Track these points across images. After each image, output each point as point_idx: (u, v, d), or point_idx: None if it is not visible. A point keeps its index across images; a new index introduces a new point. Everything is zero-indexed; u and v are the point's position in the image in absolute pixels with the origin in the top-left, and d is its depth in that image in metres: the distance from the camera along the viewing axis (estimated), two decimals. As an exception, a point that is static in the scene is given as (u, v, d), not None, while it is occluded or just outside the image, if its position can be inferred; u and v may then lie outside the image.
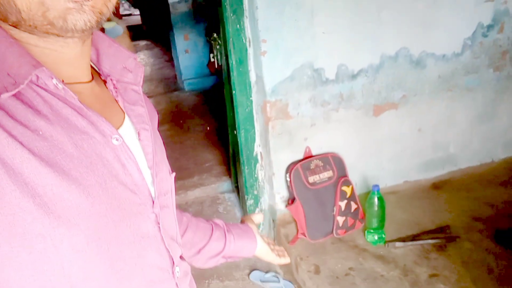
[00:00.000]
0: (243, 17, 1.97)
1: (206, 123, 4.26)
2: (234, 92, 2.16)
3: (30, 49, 0.53)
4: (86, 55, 0.60)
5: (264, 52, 1.99)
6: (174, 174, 0.78)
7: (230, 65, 2.09)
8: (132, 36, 8.41)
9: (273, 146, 2.24)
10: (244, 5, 1.94)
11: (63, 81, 0.54)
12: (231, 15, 1.95)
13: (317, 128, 2.29)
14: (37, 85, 0.52)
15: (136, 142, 0.65)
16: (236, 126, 2.29)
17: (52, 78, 0.52)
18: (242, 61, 2.07)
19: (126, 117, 0.65)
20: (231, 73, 2.11)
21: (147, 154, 0.65)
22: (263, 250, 1.04)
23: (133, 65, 0.68)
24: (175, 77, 5.57)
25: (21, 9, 0.49)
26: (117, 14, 9.60)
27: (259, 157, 2.38)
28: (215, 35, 2.36)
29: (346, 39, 2.13)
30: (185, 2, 4.75)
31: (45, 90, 0.52)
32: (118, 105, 0.66)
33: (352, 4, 2.06)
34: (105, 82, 0.67)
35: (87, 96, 0.60)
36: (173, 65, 5.64)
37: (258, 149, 2.35)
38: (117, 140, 0.59)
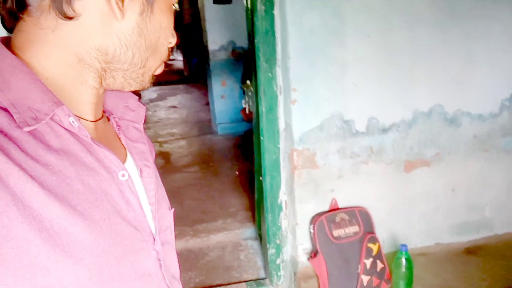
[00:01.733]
0: (275, 66, 2.00)
1: (235, 167, 4.27)
2: (262, 138, 2.16)
3: (55, 87, 0.56)
4: (103, 97, 0.65)
5: (294, 100, 2.00)
6: (173, 210, 0.78)
7: (260, 111, 2.11)
8: (174, 80, 8.71)
9: (298, 195, 2.20)
10: (277, 55, 1.98)
11: (79, 119, 0.57)
12: (264, 63, 1.98)
13: (345, 180, 2.24)
14: (52, 120, 0.54)
15: (138, 179, 0.65)
16: (262, 172, 2.27)
17: (70, 116, 0.54)
18: (272, 108, 2.08)
19: (128, 154, 0.67)
20: (261, 120, 2.12)
21: (148, 191, 0.66)
22: None
23: (135, 104, 0.71)
24: (210, 120, 5.67)
25: (135, 63, 0.60)
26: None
27: (283, 205, 2.34)
28: (248, 82, 2.39)
29: (377, 92, 2.11)
30: (225, 50, 4.91)
31: (59, 125, 0.55)
32: (121, 142, 0.68)
33: (384, 58, 2.06)
34: (108, 119, 0.69)
35: (96, 133, 0.62)
36: (209, 109, 5.76)
37: (283, 197, 2.31)
38: (123, 175, 0.60)
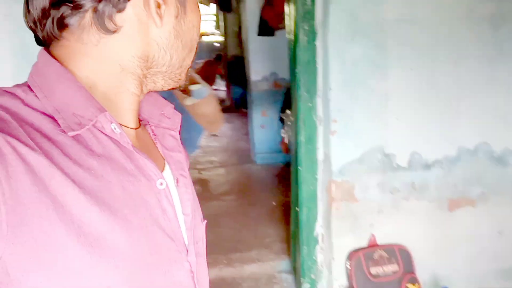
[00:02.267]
0: (316, 96, 2.00)
1: (273, 198, 4.23)
2: (300, 168, 2.14)
3: (98, 95, 0.57)
4: (140, 105, 0.66)
5: (334, 131, 1.98)
6: (205, 222, 0.76)
7: (299, 141, 2.10)
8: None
9: (336, 228, 2.15)
10: (317, 85, 1.98)
11: (121, 126, 0.57)
12: (304, 93, 1.98)
13: (385, 216, 2.17)
14: (95, 127, 0.55)
15: (174, 188, 0.65)
16: (299, 203, 2.24)
17: (112, 123, 0.55)
18: (311, 139, 2.07)
19: (166, 163, 0.67)
20: (299, 149, 2.11)
21: (184, 201, 0.65)
22: None
23: (171, 112, 0.70)
24: (249, 150, 5.69)
25: (173, 65, 0.62)
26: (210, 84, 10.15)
27: (319, 239, 2.28)
28: (287, 111, 2.40)
29: (420, 127, 2.06)
30: (267, 81, 4.96)
31: (101, 132, 0.55)
32: (158, 150, 0.68)
33: (427, 92, 2.02)
34: (145, 126, 0.69)
35: (137, 140, 0.63)
36: (249, 139, 5.79)
37: (319, 229, 2.26)
38: (161, 184, 0.60)
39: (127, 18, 0.56)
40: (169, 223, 0.60)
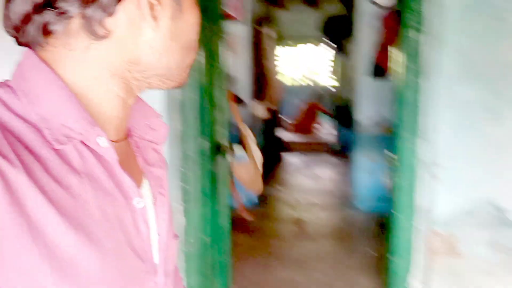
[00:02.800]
0: (417, 138, 1.90)
1: (373, 247, 4.02)
2: (397, 214, 2.02)
3: (84, 102, 0.53)
4: (128, 114, 0.62)
5: (438, 178, 1.85)
6: (178, 239, 0.73)
7: (399, 186, 1.99)
8: (321, 150, 8.81)
9: (434, 285, 1.96)
10: (419, 126, 1.88)
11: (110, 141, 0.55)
12: (407, 135, 1.90)
13: (495, 279, 1.93)
14: (80, 141, 0.52)
15: (151, 205, 0.63)
16: (393, 251, 2.10)
17: (100, 136, 0.52)
18: (411, 184, 1.95)
19: (144, 179, 0.64)
20: (398, 194, 2.00)
21: (160, 221, 0.63)
22: None
23: (158, 124, 0.67)
24: (352, 195, 5.53)
25: (170, 67, 0.58)
26: (308, 129, 10.14)
27: (415, 294, 2.10)
28: (392, 155, 2.30)
29: (542, 181, 1.83)
30: (375, 124, 4.83)
31: (84, 145, 0.52)
32: (138, 164, 0.64)
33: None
34: (127, 137, 0.64)
35: (119, 154, 0.57)
36: (351, 183, 5.64)
37: (415, 283, 2.08)
38: (138, 203, 0.57)
39: (118, 22, 0.52)
40: (141, 243, 0.58)
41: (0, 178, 0.44)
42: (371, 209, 4.97)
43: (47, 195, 0.47)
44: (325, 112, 10.24)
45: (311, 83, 12.29)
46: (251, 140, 3.70)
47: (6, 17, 0.51)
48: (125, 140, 0.63)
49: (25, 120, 0.49)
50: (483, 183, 1.85)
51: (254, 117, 5.08)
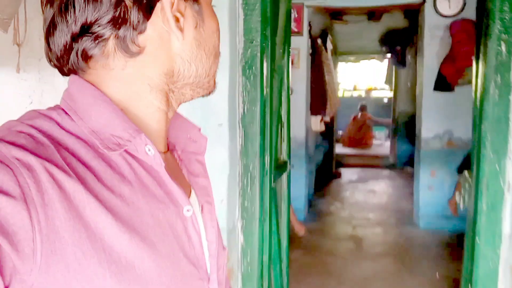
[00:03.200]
0: (506, 158, 1.72)
1: (436, 269, 3.77)
2: (477, 241, 1.84)
3: (131, 118, 0.58)
4: (168, 126, 0.66)
5: (526, 202, 1.66)
6: (226, 250, 0.75)
7: (479, 209, 1.81)
8: (378, 165, 8.58)
9: (520, 322, 1.76)
10: (509, 146, 1.70)
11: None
12: (491, 154, 1.72)
13: None
14: (127, 152, 0.55)
15: (199, 215, 0.64)
16: (473, 282, 1.90)
17: (146, 145, 0.55)
18: (495, 207, 1.76)
19: (192, 189, 0.66)
20: (478, 219, 1.82)
21: (208, 228, 0.65)
22: None
23: (198, 136, 0.70)
24: (412, 211, 5.27)
25: (200, 75, 0.62)
26: (367, 142, 10.01)
27: (496, 329, 1.90)
28: (466, 173, 2.12)
29: None
30: (439, 139, 4.58)
31: (133, 157, 0.55)
32: (184, 176, 0.67)
33: None
34: (171, 151, 0.68)
35: (167, 165, 0.60)
36: (412, 199, 5.38)
37: (497, 318, 1.88)
38: (188, 211, 0.59)
39: (148, 37, 0.56)
40: (193, 250, 0.60)
41: (57, 188, 0.47)
42: (433, 227, 4.71)
43: (102, 203, 0.50)
44: (380, 125, 9.98)
45: (367, 96, 12.04)
46: None
47: (49, 50, 0.57)
48: (168, 152, 0.66)
49: (76, 137, 0.53)
50: None
51: (310, 131, 4.98)
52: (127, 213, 0.52)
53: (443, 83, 4.15)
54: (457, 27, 3.78)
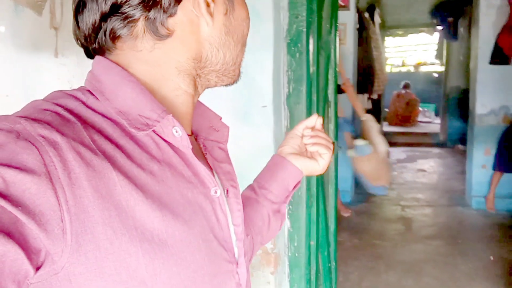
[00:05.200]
0: None
1: (490, 251, 3.61)
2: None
3: (161, 100, 0.57)
4: (193, 111, 0.65)
5: None
6: (250, 236, 0.75)
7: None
8: (428, 143, 8.32)
9: None
10: None
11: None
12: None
13: None
14: (154, 132, 0.54)
15: (224, 198, 0.63)
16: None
17: (174, 126, 0.54)
18: None
19: (215, 174, 0.65)
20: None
21: (234, 211, 0.64)
22: (305, 165, 0.86)
23: (219, 125, 0.70)
24: (464, 191, 5.06)
25: (227, 62, 0.62)
26: (413, 120, 9.73)
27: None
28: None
29: None
30: (495, 115, 4.34)
31: (160, 137, 0.55)
32: (207, 162, 0.66)
33: None
34: (195, 138, 0.68)
35: (193, 148, 0.59)
36: (464, 178, 5.16)
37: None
38: (215, 192, 0.59)
39: (178, 21, 0.55)
40: (222, 232, 0.59)
41: (85, 167, 0.46)
42: (485, 207, 4.52)
43: (131, 180, 0.49)
44: (412, 98, 9.59)
45: (416, 71, 11.59)
46: (374, 129, 3.49)
47: (78, 28, 0.56)
48: (192, 136, 0.66)
49: (103, 115, 0.52)
50: None
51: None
52: (158, 191, 0.51)
53: (500, 56, 3.90)
54: (517, -5, 3.52)
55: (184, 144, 0.55)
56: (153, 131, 0.54)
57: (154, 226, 0.49)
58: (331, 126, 2.25)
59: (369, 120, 3.55)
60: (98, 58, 0.57)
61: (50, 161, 0.45)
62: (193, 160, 0.57)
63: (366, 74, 4.75)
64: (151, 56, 0.56)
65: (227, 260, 0.60)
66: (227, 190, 0.65)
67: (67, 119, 0.49)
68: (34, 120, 0.47)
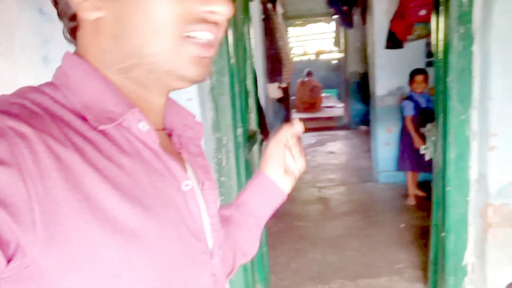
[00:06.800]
0: (470, 107, 1.78)
1: (400, 219, 3.95)
2: (448, 189, 1.92)
3: (125, 93, 0.56)
4: (164, 108, 0.63)
5: (493, 147, 1.74)
6: (224, 229, 0.76)
7: (448, 159, 1.89)
8: (333, 127, 8.74)
9: (492, 259, 1.88)
10: (473, 96, 1.76)
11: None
12: (457, 105, 1.78)
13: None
14: (122, 126, 0.54)
15: (198, 191, 0.64)
16: (445, 228, 2.00)
17: (140, 120, 0.54)
18: (463, 156, 1.84)
19: (189, 168, 0.65)
20: (448, 168, 1.90)
21: (209, 203, 0.65)
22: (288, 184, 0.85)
23: (193, 123, 0.69)
24: (371, 168, 5.45)
25: (151, 54, 0.52)
26: (318, 106, 10.13)
27: (469, 269, 2.02)
28: (429, 125, 2.19)
29: None
30: (393, 96, 4.72)
31: (128, 131, 0.54)
32: (181, 157, 0.66)
33: None
34: (169, 135, 0.68)
35: (162, 143, 0.59)
36: (369, 156, 5.55)
37: (469, 259, 2.00)
38: (187, 185, 0.58)
39: (80, 19, 0.55)
40: (195, 224, 0.59)
41: (54, 159, 0.45)
42: (392, 180, 4.91)
43: (101, 172, 0.48)
44: (315, 84, 10.09)
45: (317, 59, 12.12)
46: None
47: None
48: (163, 131, 0.65)
49: (71, 110, 0.51)
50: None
51: (268, 98, 4.97)
52: (128, 183, 0.51)
53: (393, 40, 4.22)
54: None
55: (151, 138, 0.55)
56: (122, 125, 0.54)
57: (126, 217, 0.49)
58: (253, 115, 2.30)
59: None
60: (67, 53, 0.57)
61: (20, 153, 0.44)
62: (162, 154, 0.57)
63: (274, 64, 4.88)
64: (95, 55, 0.56)
65: (200, 251, 0.60)
66: (202, 183, 0.66)
67: (35, 112, 0.48)
68: (2, 112, 0.46)
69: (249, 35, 2.21)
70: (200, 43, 0.54)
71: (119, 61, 0.54)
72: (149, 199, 0.52)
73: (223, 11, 0.54)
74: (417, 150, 4.08)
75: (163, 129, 0.65)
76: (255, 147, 2.29)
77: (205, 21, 0.53)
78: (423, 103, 4.06)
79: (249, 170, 2.10)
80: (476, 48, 1.69)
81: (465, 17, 1.65)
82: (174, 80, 0.55)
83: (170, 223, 0.54)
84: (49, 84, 0.55)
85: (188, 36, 0.53)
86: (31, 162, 0.44)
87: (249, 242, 0.85)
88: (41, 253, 0.44)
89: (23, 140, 0.44)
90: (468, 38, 1.68)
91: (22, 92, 0.51)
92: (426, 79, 4.01)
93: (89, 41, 0.55)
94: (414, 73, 4.06)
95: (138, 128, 0.54)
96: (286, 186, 0.84)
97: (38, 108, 0.49)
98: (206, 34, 0.54)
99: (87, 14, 0.53)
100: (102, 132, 0.52)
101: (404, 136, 4.25)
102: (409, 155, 4.23)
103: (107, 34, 0.53)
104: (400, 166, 4.40)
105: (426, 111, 3.99)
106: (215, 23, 0.55)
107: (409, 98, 4.11)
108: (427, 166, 4.07)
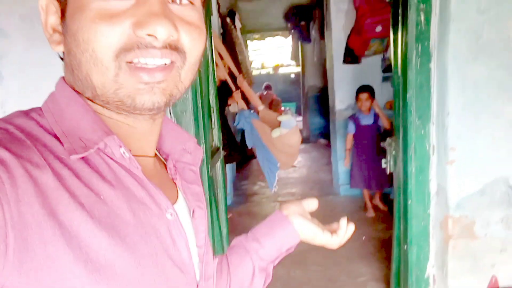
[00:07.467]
0: (429, 122, 1.83)
1: (361, 232, 4.00)
2: (409, 202, 1.96)
3: (104, 119, 0.55)
4: (154, 133, 0.61)
5: (452, 161, 1.79)
6: (217, 260, 0.74)
7: (409, 172, 1.92)
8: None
9: (452, 269, 1.92)
10: (431, 111, 1.81)
11: (130, 151, 0.55)
12: (416, 120, 1.82)
13: (509, 255, 1.91)
14: (104, 153, 0.53)
15: (189, 220, 0.63)
16: (408, 240, 2.04)
17: (121, 147, 0.53)
18: (423, 169, 1.89)
19: (181, 195, 0.65)
20: (409, 181, 1.93)
21: (198, 233, 0.63)
22: (308, 231, 0.86)
23: (193, 147, 0.69)
24: (331, 181, 5.52)
25: (96, 86, 0.51)
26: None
27: (431, 280, 2.06)
28: (389, 140, 2.24)
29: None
30: (352, 109, 4.82)
31: (111, 158, 0.53)
32: (174, 184, 0.66)
33: None
34: (165, 160, 0.68)
35: (149, 170, 0.60)
36: (330, 169, 5.62)
37: (431, 270, 2.04)
38: (171, 215, 0.57)
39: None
40: (179, 255, 0.58)
41: (32, 184, 0.45)
42: (353, 193, 4.98)
43: (77, 199, 0.47)
44: (273, 98, 10.21)
45: (275, 72, 12.25)
46: (273, 114, 3.69)
47: None
48: (156, 160, 0.64)
49: (54, 135, 0.51)
50: (496, 162, 1.81)
51: (229, 113, 4.95)
52: (105, 211, 0.50)
53: (351, 56, 4.32)
54: (359, 0, 3.93)
55: (133, 165, 0.54)
56: (104, 153, 0.53)
57: (101, 246, 0.48)
58: (215, 131, 2.27)
59: (265, 109, 3.75)
60: (59, 80, 0.58)
61: None
62: (146, 182, 0.55)
63: (234, 78, 4.87)
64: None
65: (184, 282, 0.58)
66: (193, 211, 0.65)
67: (17, 138, 0.48)
68: None
69: (211, 49, 2.19)
70: (148, 69, 0.50)
71: (82, 91, 0.55)
72: (127, 228, 0.51)
73: (162, 33, 0.49)
74: (366, 168, 4.23)
75: (155, 154, 0.64)
76: (218, 164, 2.26)
77: (149, 46, 0.49)
78: (363, 121, 4.19)
79: (212, 186, 2.06)
80: (433, 65, 1.75)
81: (423, 35, 1.71)
82: (130, 109, 0.53)
83: (147, 253, 0.53)
84: (39, 109, 0.55)
85: (133, 63, 0.50)
86: (10, 186, 0.43)
87: (249, 280, 0.82)
88: (9, 278, 0.43)
89: (2, 164, 0.44)
90: (425, 55, 1.73)
91: (10, 116, 0.52)
92: (371, 96, 4.11)
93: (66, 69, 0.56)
94: (358, 91, 4.16)
95: (120, 154, 0.53)
96: (303, 228, 0.86)
97: (20, 133, 0.49)
98: (150, 60, 0.50)
99: (53, 47, 0.55)
100: (84, 158, 0.51)
101: (354, 154, 4.37)
102: (359, 173, 4.35)
103: (68, 66, 0.54)
104: (352, 184, 4.52)
105: (368, 128, 4.17)
106: (169, 46, 0.51)
107: (352, 117, 4.27)
108: (376, 184, 4.27)
